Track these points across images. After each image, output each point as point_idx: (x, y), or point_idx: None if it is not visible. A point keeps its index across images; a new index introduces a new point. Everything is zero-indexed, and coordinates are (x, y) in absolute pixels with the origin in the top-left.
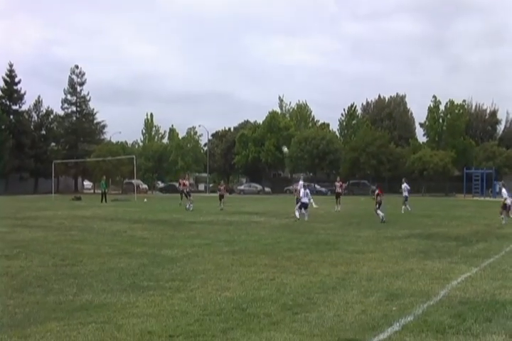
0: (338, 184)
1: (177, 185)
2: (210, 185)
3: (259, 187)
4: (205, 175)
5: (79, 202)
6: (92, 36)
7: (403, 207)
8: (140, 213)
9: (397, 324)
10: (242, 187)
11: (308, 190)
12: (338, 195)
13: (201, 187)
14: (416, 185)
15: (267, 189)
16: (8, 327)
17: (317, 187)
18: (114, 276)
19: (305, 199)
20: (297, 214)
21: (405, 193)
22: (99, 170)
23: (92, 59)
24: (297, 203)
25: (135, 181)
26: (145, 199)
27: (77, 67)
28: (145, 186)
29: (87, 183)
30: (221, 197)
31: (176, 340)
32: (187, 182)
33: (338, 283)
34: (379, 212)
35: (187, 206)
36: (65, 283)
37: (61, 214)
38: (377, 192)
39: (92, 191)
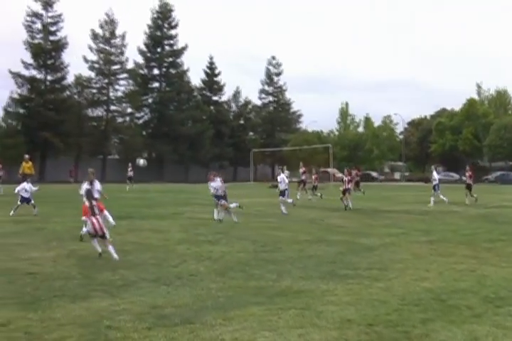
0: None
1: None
2: (406, 174)
3: (456, 176)
4: (400, 163)
5: (276, 190)
6: (285, 28)
7: None
8: (336, 201)
9: None
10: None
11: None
12: None
13: (396, 175)
14: None
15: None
16: (213, 310)
17: None
18: (312, 263)
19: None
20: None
21: None
22: (295, 159)
23: (286, 50)
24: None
25: (331, 170)
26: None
27: (273, 58)
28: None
29: None
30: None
31: (376, 329)
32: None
33: None
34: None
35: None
36: (264, 269)
37: (259, 201)
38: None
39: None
